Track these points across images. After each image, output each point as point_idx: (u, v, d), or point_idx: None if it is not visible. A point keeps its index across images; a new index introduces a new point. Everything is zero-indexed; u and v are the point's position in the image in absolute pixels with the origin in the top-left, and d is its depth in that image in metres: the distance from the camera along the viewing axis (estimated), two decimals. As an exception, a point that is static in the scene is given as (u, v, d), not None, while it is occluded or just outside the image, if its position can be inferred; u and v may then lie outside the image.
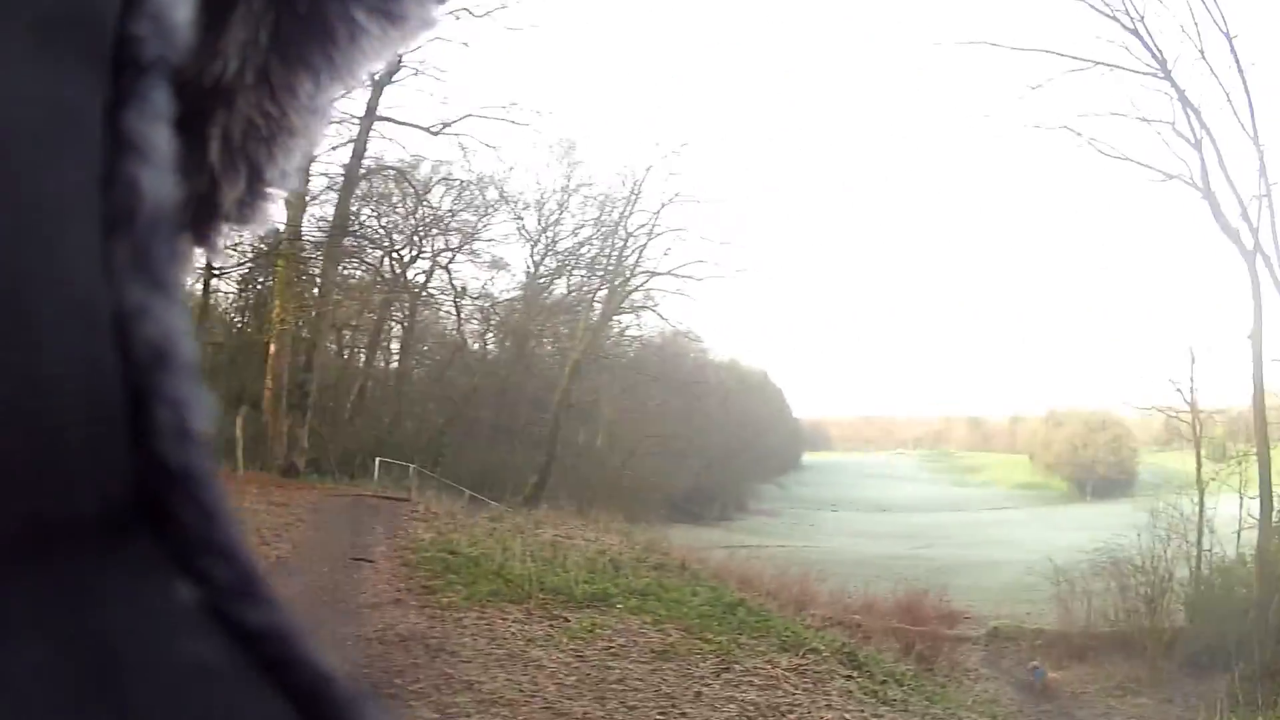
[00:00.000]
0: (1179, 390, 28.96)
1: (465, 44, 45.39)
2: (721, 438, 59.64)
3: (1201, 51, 25.20)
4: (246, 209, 0.71)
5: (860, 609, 26.52)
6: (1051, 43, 29.26)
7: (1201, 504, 25.81)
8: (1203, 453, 27.84)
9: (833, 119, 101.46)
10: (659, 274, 49.25)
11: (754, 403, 68.27)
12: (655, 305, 50.45)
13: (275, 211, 0.75)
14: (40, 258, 0.46)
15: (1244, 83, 24.58)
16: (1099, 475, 62.38)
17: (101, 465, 0.48)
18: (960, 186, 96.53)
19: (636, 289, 49.80)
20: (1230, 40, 24.45)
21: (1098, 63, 27.40)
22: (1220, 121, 26.56)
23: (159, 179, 0.51)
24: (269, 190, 0.72)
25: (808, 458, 77.53)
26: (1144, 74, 26.55)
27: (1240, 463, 26.13)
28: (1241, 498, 25.91)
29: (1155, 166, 27.06)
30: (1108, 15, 26.16)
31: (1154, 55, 26.08)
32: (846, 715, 15.41)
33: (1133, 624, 24.74)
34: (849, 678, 17.46)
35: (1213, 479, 26.53)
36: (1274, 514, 23.67)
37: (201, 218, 0.68)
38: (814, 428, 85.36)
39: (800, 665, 17.14)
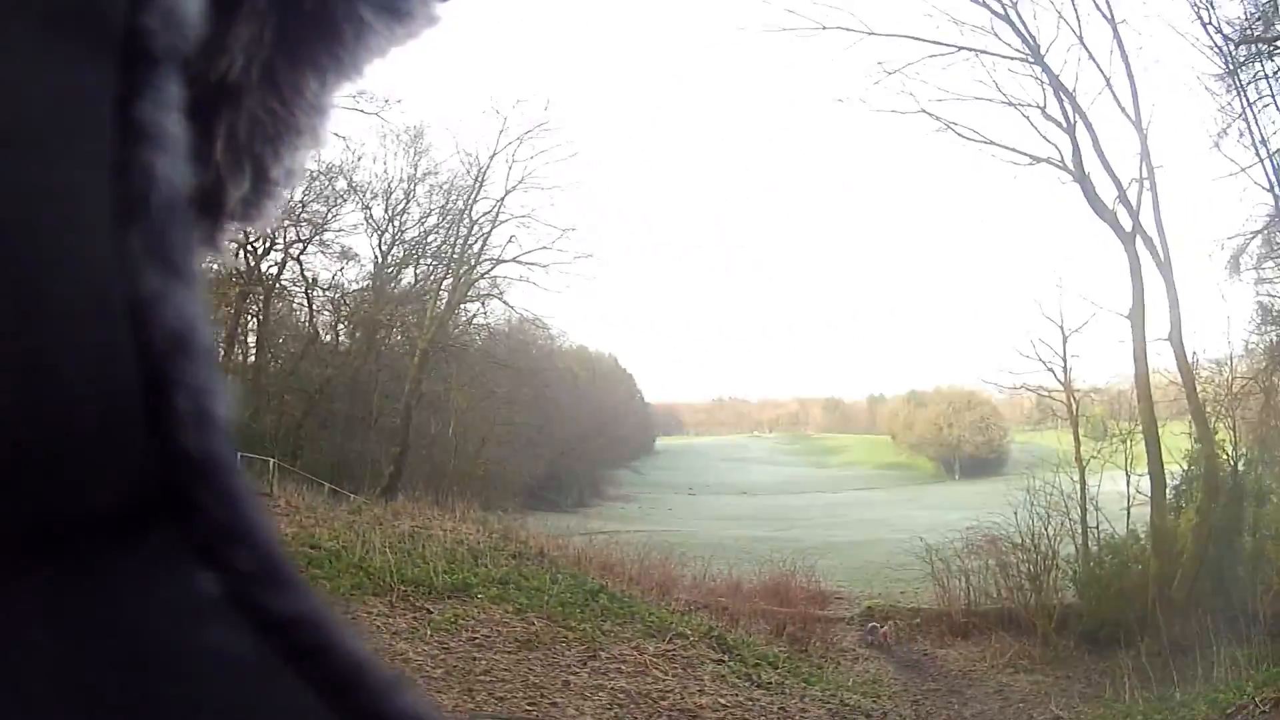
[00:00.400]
0: (1051, 370, 29.15)
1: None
2: (573, 424, 59.32)
3: (1080, 37, 25.34)
4: (251, 207, 0.72)
5: (725, 592, 26.01)
6: (915, 28, 29.12)
7: (1083, 481, 25.82)
8: (1081, 431, 28.00)
9: (684, 101, 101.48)
10: (504, 261, 48.80)
11: (604, 388, 67.94)
12: (501, 293, 50.02)
13: (278, 209, 0.75)
14: (51, 245, 0.46)
15: (1127, 68, 24.75)
16: (967, 455, 62.73)
17: (118, 455, 0.49)
18: (818, 170, 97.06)
19: (482, 276, 49.31)
20: (1114, 25, 24.58)
21: (962, 48, 27.41)
22: (1100, 107, 26.73)
23: (173, 166, 0.52)
24: (274, 188, 0.72)
25: (661, 442, 77.29)
26: (1014, 59, 26.64)
27: (1125, 440, 26.30)
28: (1128, 475, 25.88)
29: (1022, 150, 27.10)
30: (977, 1, 26.19)
31: (1025, 40, 26.16)
32: (721, 699, 15.19)
33: (1017, 601, 24.68)
34: (720, 661, 17.18)
35: (1094, 457, 26.65)
36: (1166, 490, 23.81)
37: (206, 216, 0.68)
38: (666, 412, 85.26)
39: (668, 650, 16.82)
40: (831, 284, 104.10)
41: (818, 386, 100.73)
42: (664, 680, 15.35)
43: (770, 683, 17.07)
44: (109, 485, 0.47)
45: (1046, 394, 31.20)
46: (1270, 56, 22.41)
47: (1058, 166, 26.00)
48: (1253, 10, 22.35)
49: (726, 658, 17.62)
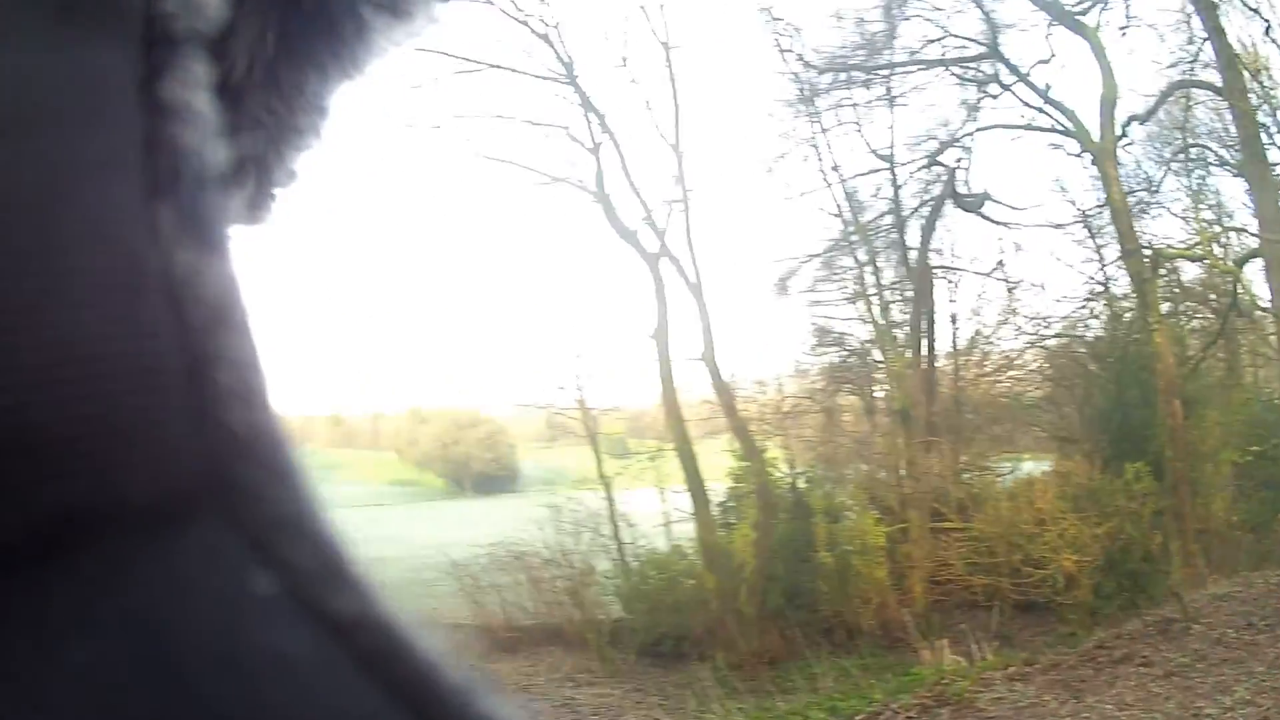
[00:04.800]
0: (563, 388, 29.39)
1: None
2: None
3: (623, 59, 25.62)
4: (254, 209, 0.72)
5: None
6: (446, 43, 28.77)
7: (610, 497, 26.07)
8: (601, 449, 28.31)
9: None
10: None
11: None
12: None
13: (279, 212, 0.76)
14: (78, 223, 0.45)
15: (674, 91, 25.19)
16: (475, 472, 62.91)
17: (158, 438, 0.47)
18: (328, 181, 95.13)
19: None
20: (667, 50, 24.97)
21: (491, 64, 27.34)
22: (638, 130, 27.13)
23: (203, 141, 0.52)
24: (276, 189, 0.74)
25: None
26: (545, 79, 26.75)
27: (654, 458, 26.74)
28: (661, 492, 26.16)
29: (541, 170, 27.23)
30: (519, 20, 26.16)
31: (560, 61, 26.30)
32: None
33: (558, 616, 25.02)
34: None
35: (618, 474, 27.02)
36: (709, 506, 24.25)
37: None
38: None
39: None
40: (335, 299, 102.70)
41: (321, 402, 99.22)
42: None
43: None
44: (148, 472, 0.45)
45: (559, 412, 31.55)
46: (866, 85, 23.42)
47: (577, 186, 26.34)
48: (857, 39, 23.32)
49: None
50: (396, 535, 43.81)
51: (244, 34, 0.60)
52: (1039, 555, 18.98)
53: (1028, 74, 22.35)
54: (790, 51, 23.82)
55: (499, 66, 27.24)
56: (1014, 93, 22.90)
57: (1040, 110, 22.30)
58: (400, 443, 73.46)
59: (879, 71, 23.64)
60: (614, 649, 22.69)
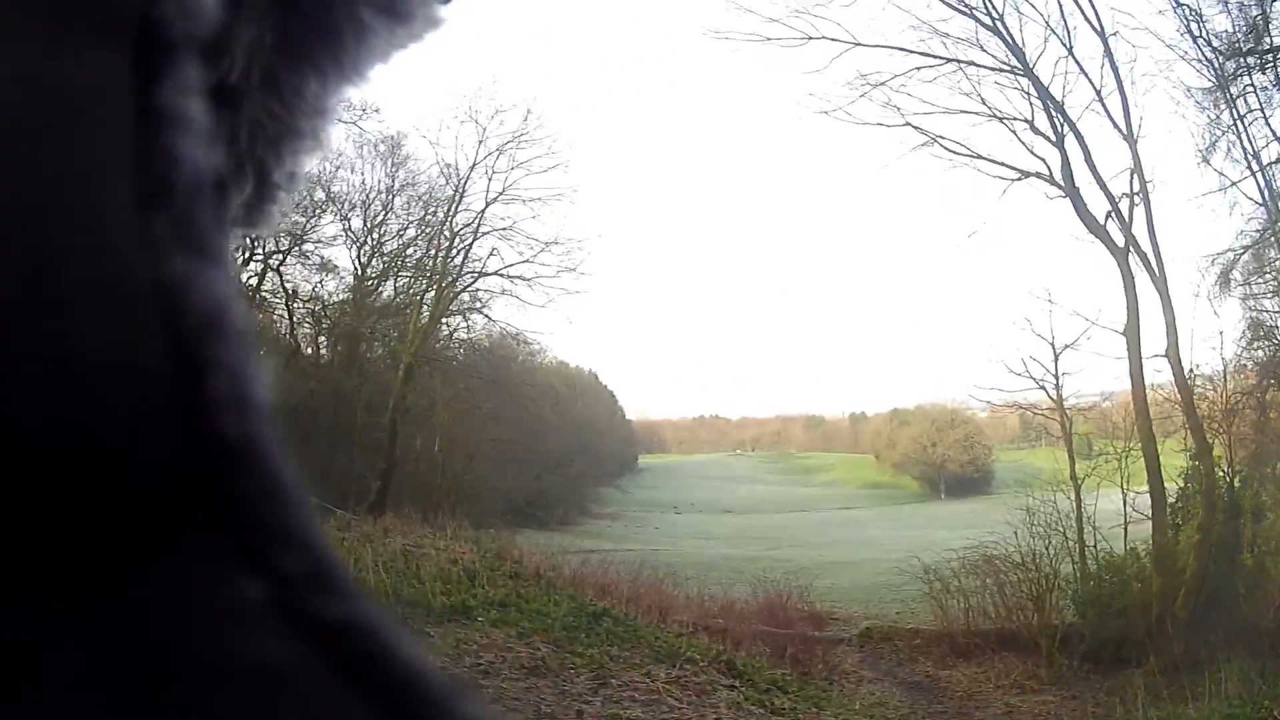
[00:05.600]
0: (1043, 387, 28.88)
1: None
2: (557, 441, 59.12)
3: (1070, 49, 24.95)
4: (254, 212, 0.73)
5: (721, 613, 25.68)
6: (900, 40, 28.66)
7: (1079, 500, 25.54)
8: (1074, 449, 27.71)
9: (664, 115, 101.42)
10: (487, 274, 48.49)
11: (585, 405, 67.85)
12: (483, 306, 49.73)
13: (280, 214, 0.76)
14: (71, 230, 0.46)
15: (1118, 80, 24.35)
16: (951, 474, 62.57)
17: (149, 447, 0.48)
18: (801, 185, 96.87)
19: (464, 290, 48.98)
20: (1104, 37, 24.15)
21: (949, 59, 27.00)
22: (1089, 120, 26.31)
23: (197, 149, 0.52)
24: (276, 192, 0.73)
25: (644, 460, 76.89)
26: (1000, 70, 26.23)
27: (1122, 458, 26.08)
28: (1125, 493, 25.49)
29: (1010, 164, 26.65)
30: (964, 12, 25.70)
31: (1013, 52, 25.76)
32: (739, 729, 14.75)
33: (1018, 622, 24.21)
34: (732, 687, 16.68)
35: (1088, 475, 26.47)
36: (1166, 507, 23.47)
37: None
38: (647, 429, 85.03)
39: (680, 677, 16.29)
40: (813, 301, 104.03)
41: (799, 404, 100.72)
42: (679, 709, 14.78)
43: (784, 709, 16.62)
44: (139, 480, 0.46)
45: (1039, 412, 30.92)
46: (1261, 69, 22.09)
47: (1047, 181, 25.63)
48: (1242, 24, 22.04)
49: (738, 683, 17.13)
50: (870, 538, 44.26)
51: (242, 37, 0.61)
52: None
53: None
54: (1200, 38, 22.59)
55: (956, 61, 27.02)
56: None
57: None
58: (880, 445, 74.17)
59: (1269, 56, 22.10)
60: (1062, 655, 22.08)
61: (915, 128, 27.81)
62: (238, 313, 0.49)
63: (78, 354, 0.43)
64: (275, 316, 48.58)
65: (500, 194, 47.31)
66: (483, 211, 47.58)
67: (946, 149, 27.55)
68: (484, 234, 47.98)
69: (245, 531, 0.46)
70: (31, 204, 0.43)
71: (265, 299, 47.16)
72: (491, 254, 48.43)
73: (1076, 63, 25.04)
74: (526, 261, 48.04)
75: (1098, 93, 24.86)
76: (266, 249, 45.50)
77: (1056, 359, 28.19)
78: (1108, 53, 24.15)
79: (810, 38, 27.51)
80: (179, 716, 0.42)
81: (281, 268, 45.93)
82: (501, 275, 48.06)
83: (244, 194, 0.68)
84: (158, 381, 0.45)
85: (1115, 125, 24.50)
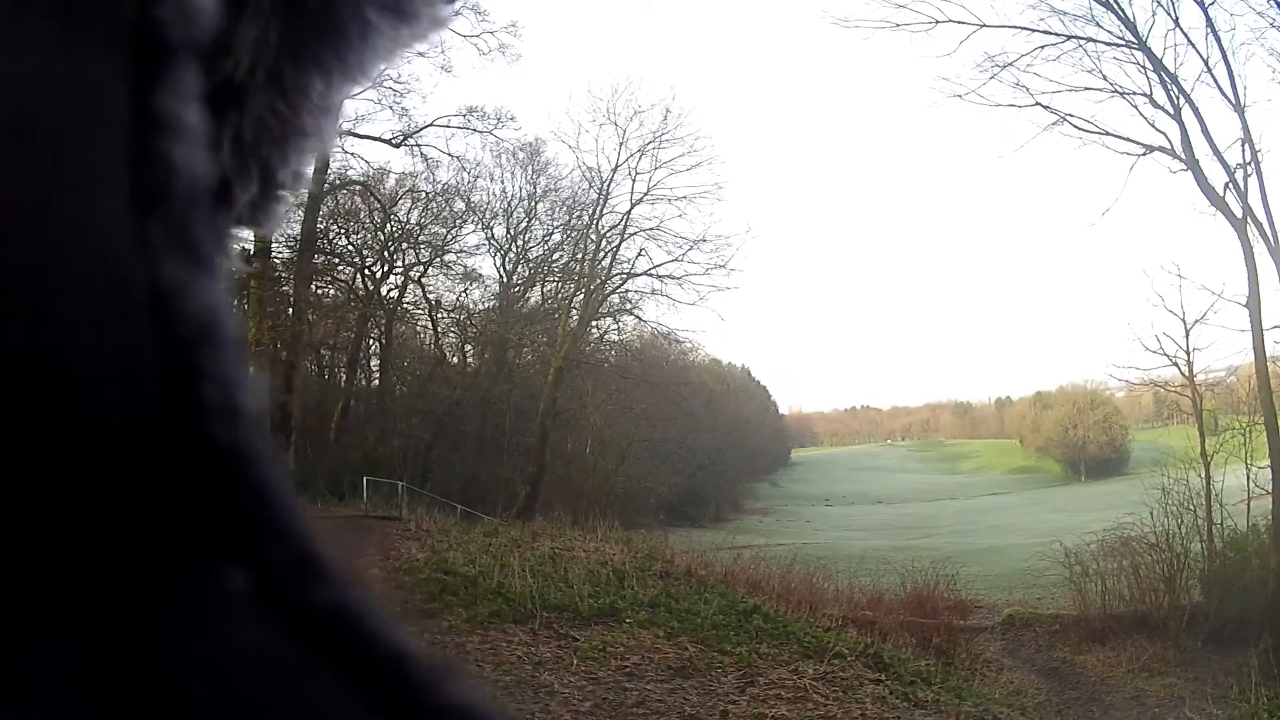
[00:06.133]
0: (1175, 364, 28.57)
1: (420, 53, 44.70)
2: (709, 438, 59.30)
3: (1176, 20, 24.69)
4: (259, 211, 0.72)
5: (870, 605, 25.96)
6: (1019, 19, 28.54)
7: (1208, 477, 25.26)
8: (1204, 426, 27.40)
9: (806, 112, 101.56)
10: (635, 275, 48.81)
11: (738, 401, 67.93)
12: (633, 307, 50.05)
13: (283, 214, 0.75)
14: (64, 236, 0.46)
15: (1222, 51, 24.06)
16: (1091, 455, 61.74)
17: (142, 451, 0.47)
18: (936, 171, 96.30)
19: (614, 291, 49.33)
20: (1205, 8, 23.85)
21: (1070, 36, 26.81)
22: (1199, 91, 26.00)
23: (193, 155, 0.52)
24: (281, 192, 0.73)
25: (797, 454, 76.68)
26: (1117, 45, 25.99)
27: (1246, 433, 25.76)
28: (1249, 468, 25.29)
29: (1134, 139, 26.39)
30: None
31: (1127, 25, 25.52)
32: (883, 723, 14.79)
33: (1150, 604, 24.35)
34: (878, 681, 16.81)
35: (1217, 451, 26.17)
36: (1287, 481, 23.14)
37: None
38: (800, 423, 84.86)
39: (827, 672, 16.46)
40: (958, 287, 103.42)
41: (946, 391, 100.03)
42: (825, 705, 14.86)
43: (927, 701, 16.66)
44: (132, 483, 0.46)
45: (1172, 389, 30.62)
46: None
47: (1169, 154, 25.32)
48: None
49: (884, 677, 17.20)
50: (1015, 523, 44.16)
51: (246, 36, 0.62)
52: None
53: None
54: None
55: (1077, 38, 26.78)
56: None
57: None
58: (1024, 429, 73.75)
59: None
60: (1189, 636, 22.40)
61: (1045, 107, 27.68)
62: (230, 322, 0.51)
63: (71, 360, 0.44)
64: (419, 328, 49.41)
65: (645, 194, 47.80)
66: (628, 213, 48.08)
67: (1076, 127, 27.36)
68: (631, 235, 48.49)
69: (235, 529, 0.48)
70: (25, 208, 0.44)
71: (407, 311, 47.99)
72: (640, 254, 48.91)
73: (1184, 34, 24.87)
74: (675, 260, 48.44)
75: (1205, 62, 24.61)
76: (406, 261, 46.33)
77: (1188, 334, 28.04)
78: (1209, 23, 23.90)
79: (937, 21, 27.48)
80: (171, 701, 0.43)
81: (423, 279, 46.69)
82: (650, 275, 48.54)
83: (249, 193, 0.69)
84: (151, 389, 0.47)
85: (1224, 95, 24.24)
